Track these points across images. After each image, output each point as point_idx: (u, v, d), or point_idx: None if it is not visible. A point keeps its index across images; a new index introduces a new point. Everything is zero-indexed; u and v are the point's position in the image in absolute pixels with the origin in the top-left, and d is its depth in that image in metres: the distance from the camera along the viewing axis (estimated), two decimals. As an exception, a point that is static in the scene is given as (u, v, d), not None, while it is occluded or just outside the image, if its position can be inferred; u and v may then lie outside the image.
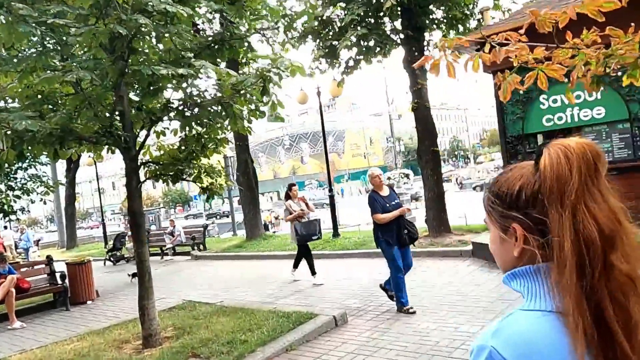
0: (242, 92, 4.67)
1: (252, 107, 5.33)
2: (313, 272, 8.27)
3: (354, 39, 10.36)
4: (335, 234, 12.67)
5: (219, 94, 4.83)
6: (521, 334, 0.77)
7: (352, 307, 6.51)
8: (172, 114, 5.02)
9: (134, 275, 9.99)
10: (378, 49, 11.10)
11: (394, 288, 6.03)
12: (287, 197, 8.58)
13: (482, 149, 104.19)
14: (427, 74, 11.18)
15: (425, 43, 11.27)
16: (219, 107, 4.69)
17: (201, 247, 14.93)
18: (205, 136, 5.79)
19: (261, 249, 12.90)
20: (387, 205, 5.88)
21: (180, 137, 5.75)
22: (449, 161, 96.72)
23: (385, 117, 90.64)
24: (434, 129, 11.07)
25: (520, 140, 8.25)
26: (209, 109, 4.80)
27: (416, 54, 10.96)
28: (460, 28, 11.10)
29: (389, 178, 30.88)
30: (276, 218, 33.86)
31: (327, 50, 11.12)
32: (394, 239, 5.93)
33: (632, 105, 7.21)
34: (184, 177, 5.59)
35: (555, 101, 7.86)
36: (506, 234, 0.86)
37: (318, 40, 11.22)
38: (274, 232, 24.51)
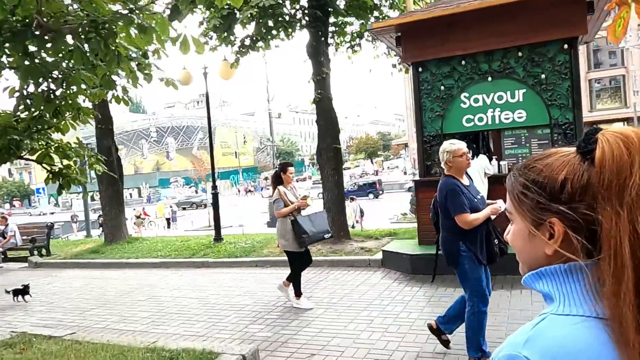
0: (132, 12, 2.89)
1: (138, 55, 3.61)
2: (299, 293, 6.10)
3: (254, 12, 8.90)
4: (218, 237, 10.99)
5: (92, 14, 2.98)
6: (560, 343, 0.68)
7: (259, 336, 5.07)
8: (5, 47, 3.06)
9: (16, 292, 7.35)
10: (280, 30, 9.78)
11: (472, 329, 3.87)
12: (278, 181, 5.93)
13: (349, 156, 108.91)
14: (330, 63, 10.19)
15: (330, 29, 10.25)
16: (93, 37, 2.88)
17: (44, 251, 12.02)
18: (62, 98, 3.91)
19: (125, 255, 10.64)
20: (474, 199, 3.85)
21: (19, 93, 3.77)
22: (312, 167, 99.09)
23: (257, 117, 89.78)
24: (336, 123, 10.09)
25: (438, 140, 7.59)
26: (75, 38, 2.97)
27: (322, 39, 9.88)
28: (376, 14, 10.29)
29: (265, 178, 29.64)
30: (138, 217, 30.38)
31: (221, 21, 9.45)
32: (483, 252, 3.84)
33: (553, 110, 6.95)
34: (22, 153, 3.64)
35: (476, 100, 7.34)
36: (538, 229, 0.76)
37: (211, 10, 9.49)
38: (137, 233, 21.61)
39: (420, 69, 7.65)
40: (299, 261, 6.04)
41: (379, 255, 8.00)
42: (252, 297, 6.63)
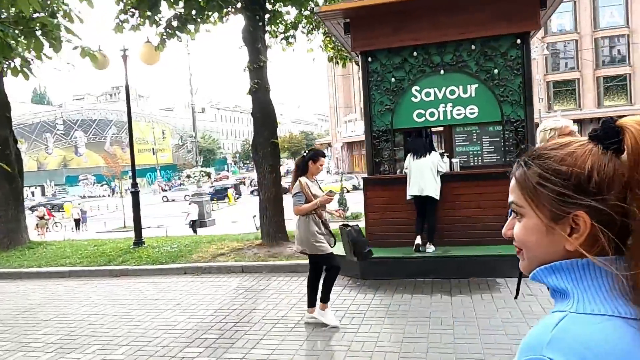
0: None
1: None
2: (313, 304, 5.08)
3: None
4: (139, 241, 9.80)
5: None
6: (586, 343, 0.63)
7: (198, 362, 4.24)
8: None
9: None
10: (213, 11, 8.86)
11: None
12: (303, 170, 4.89)
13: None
14: (268, 51, 9.43)
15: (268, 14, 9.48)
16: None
17: None
18: None
19: (25, 263, 9.12)
20: None
21: None
22: (240, 164, 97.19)
23: (176, 113, 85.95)
24: (274, 116, 9.34)
25: (388, 135, 7.13)
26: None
27: (260, 23, 9.09)
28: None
29: (188, 176, 28.07)
30: (42, 218, 27.42)
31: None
32: None
33: (505, 106, 6.74)
34: None
35: (428, 94, 6.97)
36: (558, 223, 0.71)
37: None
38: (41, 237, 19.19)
39: (369, 59, 7.14)
40: (318, 270, 5.07)
41: (324, 259, 7.39)
42: (184, 312, 5.73)
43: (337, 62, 12.21)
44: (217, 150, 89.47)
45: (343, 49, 11.58)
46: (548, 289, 0.76)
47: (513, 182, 0.78)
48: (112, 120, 70.13)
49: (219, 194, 39.72)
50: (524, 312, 4.84)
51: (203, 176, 27.39)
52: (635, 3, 38.72)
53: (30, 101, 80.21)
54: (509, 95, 6.72)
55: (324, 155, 5.05)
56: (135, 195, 10.07)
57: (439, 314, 4.88)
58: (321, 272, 5.09)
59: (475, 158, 6.96)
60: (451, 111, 6.91)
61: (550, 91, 41.03)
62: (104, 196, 55.80)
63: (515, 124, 6.72)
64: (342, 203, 22.42)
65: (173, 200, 44.21)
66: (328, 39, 11.47)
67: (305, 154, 4.98)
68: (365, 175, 7.52)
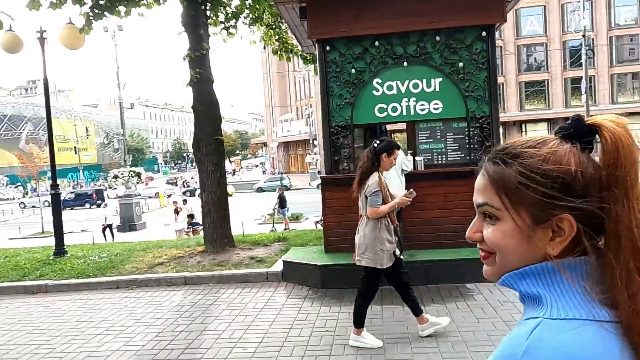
0: None
1: None
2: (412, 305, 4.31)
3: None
4: (60, 250, 8.56)
5: None
6: (563, 351, 0.60)
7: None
8: None
9: None
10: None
11: None
12: (375, 165, 4.14)
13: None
14: (210, 38, 8.59)
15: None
16: None
17: None
18: None
19: None
20: None
21: None
22: (172, 164, 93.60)
23: (101, 109, 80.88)
24: (218, 110, 8.50)
25: (347, 132, 6.58)
26: None
27: (202, 7, 8.23)
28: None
29: (115, 177, 26.09)
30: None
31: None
32: None
33: (470, 102, 6.42)
34: None
35: (390, 88, 6.50)
36: (539, 226, 0.67)
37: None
38: None
39: (327, 48, 6.55)
40: (375, 282, 4.25)
41: (278, 267, 6.71)
42: (119, 338, 4.82)
43: (282, 55, 11.52)
44: (146, 149, 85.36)
45: (288, 42, 10.95)
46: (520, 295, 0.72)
47: (483, 181, 0.71)
48: (27, 116, 64.69)
49: (78, 200, 37.68)
50: (506, 321, 4.46)
51: (132, 176, 25.51)
52: (551, 13, 41.34)
53: None
54: (474, 90, 6.40)
55: (398, 148, 4.33)
56: (56, 198, 8.80)
57: (417, 328, 4.37)
58: (377, 288, 4.29)
59: (440, 156, 6.59)
60: (414, 106, 6.48)
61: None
62: (16, 198, 51.08)
63: (480, 121, 6.42)
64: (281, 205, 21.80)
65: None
66: (272, 31, 10.76)
67: (376, 145, 4.15)
68: (319, 174, 6.93)
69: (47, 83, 9.19)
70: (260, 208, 24.69)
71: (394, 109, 6.51)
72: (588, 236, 0.65)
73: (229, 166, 77.86)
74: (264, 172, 66.04)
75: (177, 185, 53.15)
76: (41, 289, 6.93)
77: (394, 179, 6.04)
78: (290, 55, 11.21)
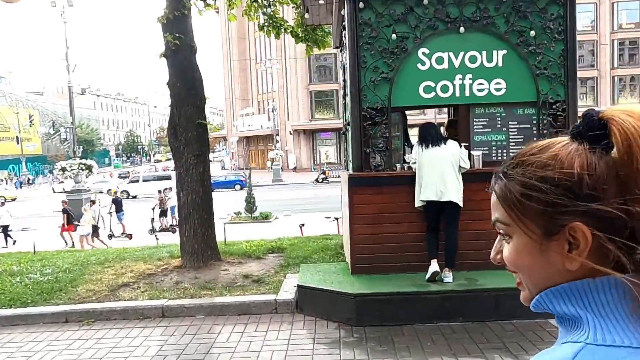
0: None
1: None
2: None
3: None
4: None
5: None
6: None
7: None
8: None
9: None
10: None
11: None
12: None
13: (159, 147, 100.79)
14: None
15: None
16: None
17: None
18: None
19: None
20: None
21: None
22: (124, 158, 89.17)
23: (47, 98, 75.50)
24: (201, 86, 6.73)
25: (383, 116, 5.02)
26: None
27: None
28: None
29: (63, 169, 23.41)
30: None
31: None
32: None
33: (541, 82, 5.01)
34: None
35: (440, 60, 5.00)
36: (552, 239, 0.60)
37: None
38: None
39: (360, 5, 4.97)
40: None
41: (288, 292, 5.07)
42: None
43: (269, 32, 9.81)
44: (97, 141, 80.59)
45: (277, 15, 9.30)
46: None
47: (493, 198, 0.66)
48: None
49: None
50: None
51: (83, 169, 22.94)
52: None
53: None
54: (547, 68, 4.99)
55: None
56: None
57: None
58: None
59: (499, 150, 5.15)
60: (470, 85, 5.02)
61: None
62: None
63: (554, 107, 5.02)
64: (251, 202, 20.10)
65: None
66: (255, 4, 9.06)
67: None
68: (345, 170, 5.38)
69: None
70: (223, 207, 22.77)
71: (444, 89, 5.01)
72: (618, 245, 0.55)
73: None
74: (222, 167, 63.53)
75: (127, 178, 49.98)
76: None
77: (450, 179, 4.57)
78: (280, 30, 9.53)
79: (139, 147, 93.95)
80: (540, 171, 0.60)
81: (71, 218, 15.72)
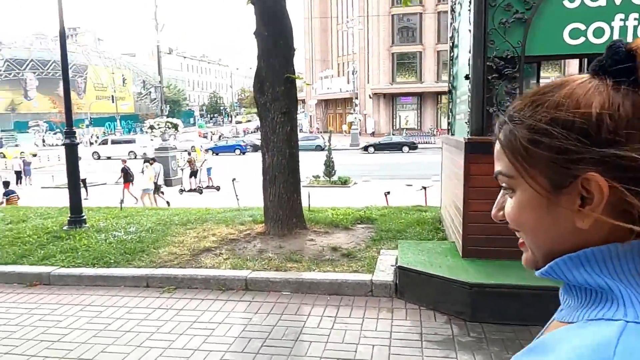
0: None
1: None
2: None
3: None
4: (77, 219, 6.50)
5: None
6: None
7: None
8: None
9: None
10: None
11: None
12: None
13: (240, 109, 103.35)
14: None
15: None
16: None
17: None
18: None
19: None
20: None
21: None
22: (207, 119, 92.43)
23: (139, 60, 79.27)
24: (291, 36, 6.07)
25: (512, 67, 4.06)
26: None
27: None
28: None
29: (151, 127, 24.24)
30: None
31: None
32: None
33: None
34: None
35: (594, -5, 3.90)
36: (562, 191, 0.51)
37: None
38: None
39: None
40: None
41: (385, 272, 4.40)
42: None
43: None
44: (182, 101, 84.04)
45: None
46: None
47: (497, 147, 0.58)
48: (70, 63, 63.76)
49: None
50: None
51: (169, 127, 23.59)
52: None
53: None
54: None
55: None
56: (71, 149, 6.66)
57: None
58: None
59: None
60: (635, 28, 3.88)
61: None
62: (57, 145, 50.46)
63: None
64: (330, 166, 19.61)
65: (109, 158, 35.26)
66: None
67: None
68: (460, 135, 4.51)
69: (63, 24, 6.88)
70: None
71: (598, 33, 3.92)
72: None
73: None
74: (301, 130, 63.78)
75: (210, 140, 51.57)
76: (41, 279, 4.87)
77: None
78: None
79: (221, 108, 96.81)
80: (551, 112, 0.52)
81: (129, 176, 16.71)
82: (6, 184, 14.70)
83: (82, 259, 5.13)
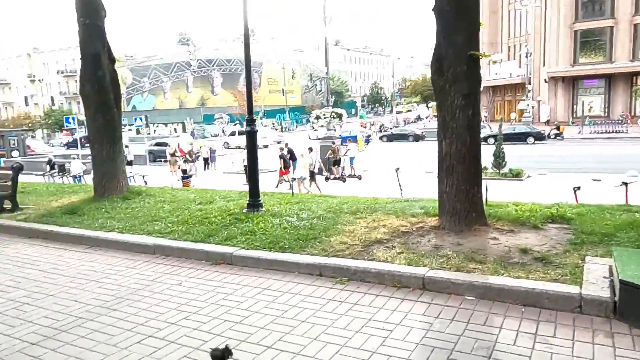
0: None
1: None
2: None
3: None
4: (255, 203, 6.84)
5: None
6: None
7: None
8: None
9: None
10: None
11: None
12: None
13: (400, 99, 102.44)
14: None
15: None
16: None
17: (8, 204, 8.35)
18: None
19: (108, 222, 6.70)
20: None
21: None
22: (369, 109, 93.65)
23: (306, 54, 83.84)
24: (475, 11, 5.43)
25: None
26: None
27: None
28: None
29: (317, 117, 25.24)
30: (172, 155, 26.90)
31: None
32: None
33: None
34: None
35: None
36: None
37: None
38: (190, 179, 17.44)
39: None
40: None
41: (598, 287, 3.59)
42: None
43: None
44: (345, 92, 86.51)
45: None
46: None
47: None
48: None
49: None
50: None
51: (334, 117, 24.27)
52: None
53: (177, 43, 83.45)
54: None
55: None
56: (251, 136, 7.01)
57: None
58: None
59: None
60: None
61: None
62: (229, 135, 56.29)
63: None
64: (500, 157, 18.05)
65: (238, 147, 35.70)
66: None
67: None
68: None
69: (247, 28, 7.25)
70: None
71: None
72: None
73: (425, 112, 73.86)
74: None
75: (366, 128, 51.89)
76: (225, 258, 5.14)
77: None
78: None
79: (382, 98, 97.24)
80: None
81: (286, 163, 17.97)
82: (184, 171, 17.42)
83: (259, 242, 5.30)
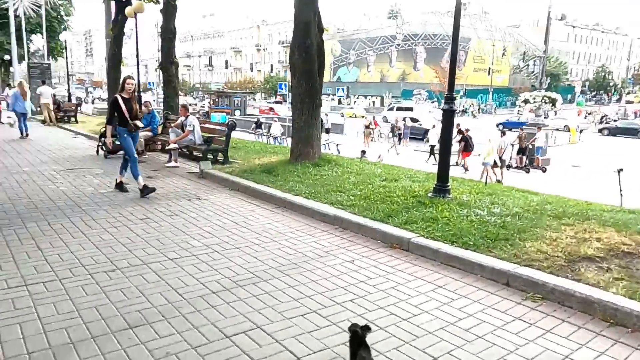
0: None
1: None
2: None
3: None
4: (443, 187, 6.32)
5: None
6: None
7: None
8: None
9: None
10: None
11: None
12: None
13: (633, 87, 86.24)
14: None
15: None
16: None
17: (221, 156, 9.44)
18: None
19: (298, 186, 6.99)
20: None
21: None
22: (589, 96, 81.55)
23: (521, 30, 76.10)
24: None
25: None
26: None
27: None
28: None
29: (525, 101, 22.77)
30: (367, 127, 27.51)
31: None
32: None
33: None
34: None
35: None
36: None
37: None
38: (363, 155, 17.65)
39: None
40: None
41: None
42: None
43: None
44: (562, 75, 76.72)
45: None
46: None
47: None
48: (451, 36, 67.52)
49: None
50: None
51: (546, 102, 21.56)
52: None
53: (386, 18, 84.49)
54: None
55: None
56: (448, 114, 6.42)
57: None
58: None
59: None
60: None
61: None
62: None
63: None
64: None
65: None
66: None
67: None
68: None
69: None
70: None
71: None
72: None
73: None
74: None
75: (585, 119, 44.92)
76: (401, 243, 4.83)
77: None
78: None
79: (610, 84, 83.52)
80: None
81: (468, 146, 17.43)
82: (363, 152, 17.33)
83: (440, 232, 4.82)
